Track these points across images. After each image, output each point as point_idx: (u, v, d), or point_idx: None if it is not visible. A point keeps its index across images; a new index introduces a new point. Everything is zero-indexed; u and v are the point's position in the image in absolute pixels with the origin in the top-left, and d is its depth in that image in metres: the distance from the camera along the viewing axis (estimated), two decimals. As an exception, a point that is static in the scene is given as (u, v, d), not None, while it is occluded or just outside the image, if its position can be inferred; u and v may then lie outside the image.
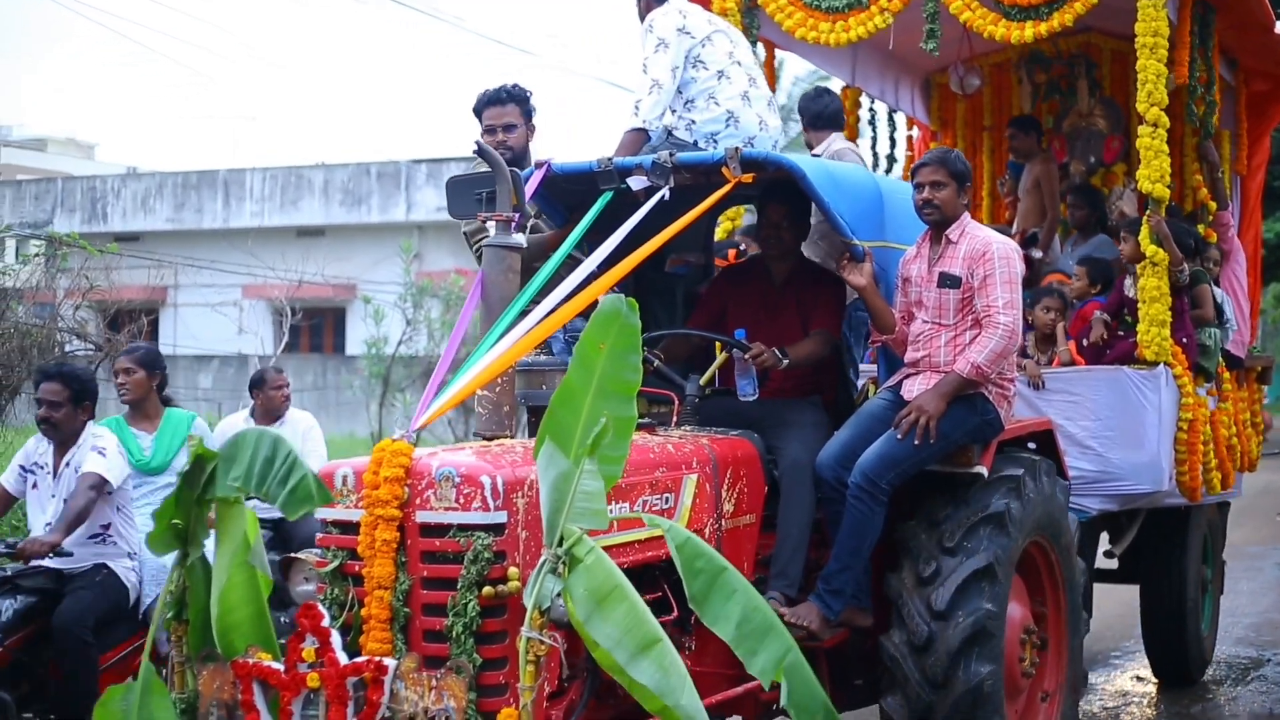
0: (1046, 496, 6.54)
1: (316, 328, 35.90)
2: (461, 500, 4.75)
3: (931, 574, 6.08)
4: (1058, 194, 10.31)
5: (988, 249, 6.20)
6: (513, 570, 4.71)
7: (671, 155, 6.06)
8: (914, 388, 6.29)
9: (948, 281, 6.25)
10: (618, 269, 5.65)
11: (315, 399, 31.07)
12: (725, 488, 5.82)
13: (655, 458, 5.51)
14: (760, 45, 9.76)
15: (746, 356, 6.23)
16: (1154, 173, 8.01)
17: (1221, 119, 9.89)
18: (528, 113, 7.20)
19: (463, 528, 4.73)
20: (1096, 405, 8.07)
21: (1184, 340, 8.26)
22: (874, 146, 11.41)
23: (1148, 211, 8.05)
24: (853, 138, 10.66)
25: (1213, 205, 9.77)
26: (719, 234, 8.64)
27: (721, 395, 6.48)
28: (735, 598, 4.47)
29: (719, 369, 6.47)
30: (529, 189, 6.18)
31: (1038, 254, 9.99)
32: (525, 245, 5.79)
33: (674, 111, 6.73)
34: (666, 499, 5.47)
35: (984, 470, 6.28)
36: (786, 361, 6.30)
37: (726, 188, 6.04)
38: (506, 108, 7.11)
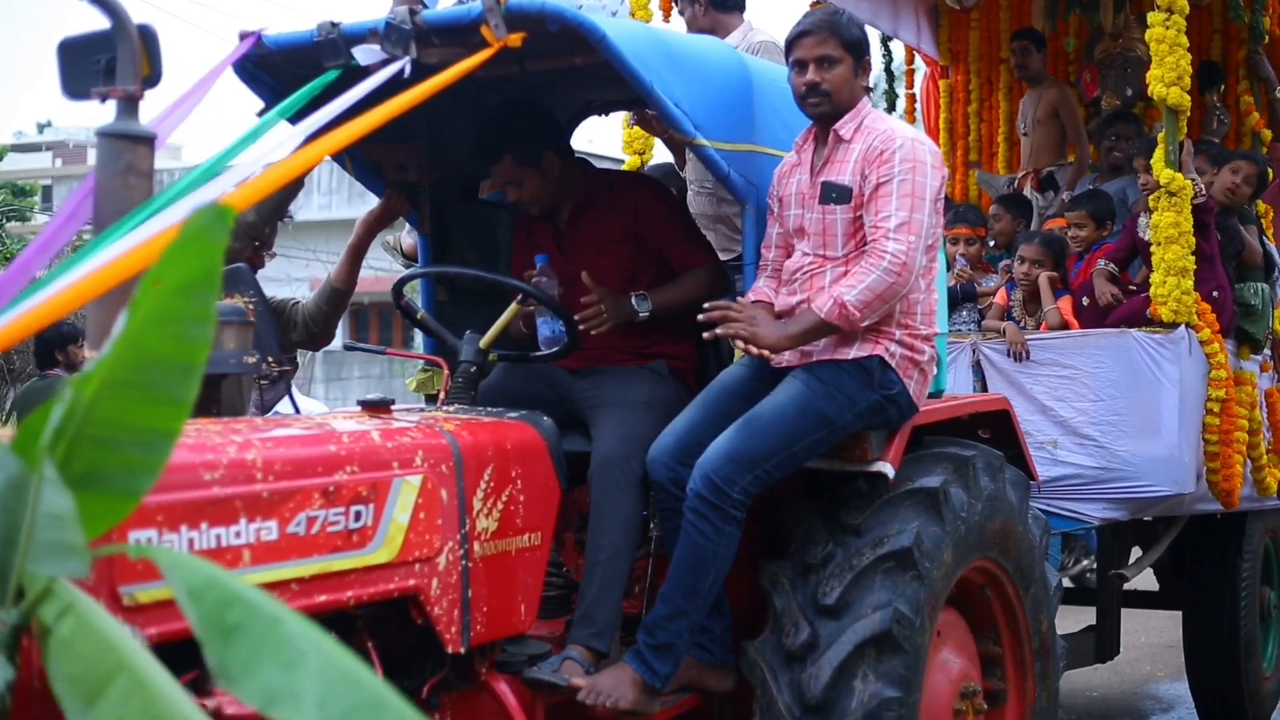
0: (992, 501, 4.60)
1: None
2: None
3: (803, 645, 4.19)
4: (1081, 123, 8.28)
5: (888, 145, 4.23)
6: None
7: (414, 14, 4.18)
8: (784, 346, 4.37)
9: (833, 194, 4.29)
10: (283, 166, 3.74)
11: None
12: (481, 495, 3.93)
13: (340, 451, 3.59)
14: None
15: (579, 317, 4.44)
16: (1167, 73, 6.03)
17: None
18: None
19: None
20: (1096, 381, 6.11)
21: (1215, 294, 6.24)
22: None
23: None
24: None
25: (1266, 133, 7.77)
26: (626, 168, 6.72)
27: (520, 361, 4.62)
28: (304, 665, 2.37)
29: (508, 324, 4.57)
30: (228, 63, 4.33)
31: (1065, 196, 7.91)
32: (156, 134, 3.86)
33: None
34: (358, 515, 3.57)
35: (888, 469, 4.34)
36: (646, 312, 4.51)
37: (486, 52, 4.09)
38: None
